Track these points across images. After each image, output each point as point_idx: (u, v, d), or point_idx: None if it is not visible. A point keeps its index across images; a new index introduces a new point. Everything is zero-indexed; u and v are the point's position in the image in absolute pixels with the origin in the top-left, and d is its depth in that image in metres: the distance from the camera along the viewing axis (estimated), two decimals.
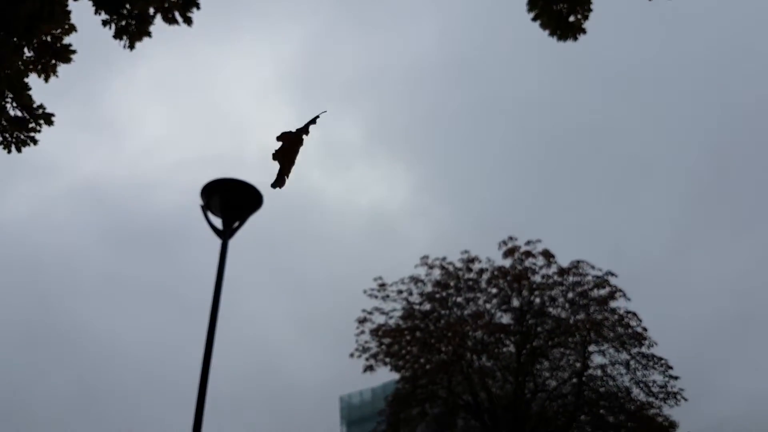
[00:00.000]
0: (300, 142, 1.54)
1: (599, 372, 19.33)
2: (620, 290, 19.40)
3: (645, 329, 18.91)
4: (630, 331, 18.91)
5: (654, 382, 18.68)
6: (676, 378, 18.51)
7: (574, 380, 19.56)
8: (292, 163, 1.53)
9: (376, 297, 20.98)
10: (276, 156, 1.52)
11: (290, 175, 1.54)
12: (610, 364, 19.17)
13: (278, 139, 1.53)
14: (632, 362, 18.84)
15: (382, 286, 21.06)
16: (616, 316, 19.12)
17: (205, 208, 6.93)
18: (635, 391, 18.85)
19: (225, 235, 6.81)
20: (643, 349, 18.73)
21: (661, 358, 18.64)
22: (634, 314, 19.06)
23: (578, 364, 19.53)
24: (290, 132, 1.54)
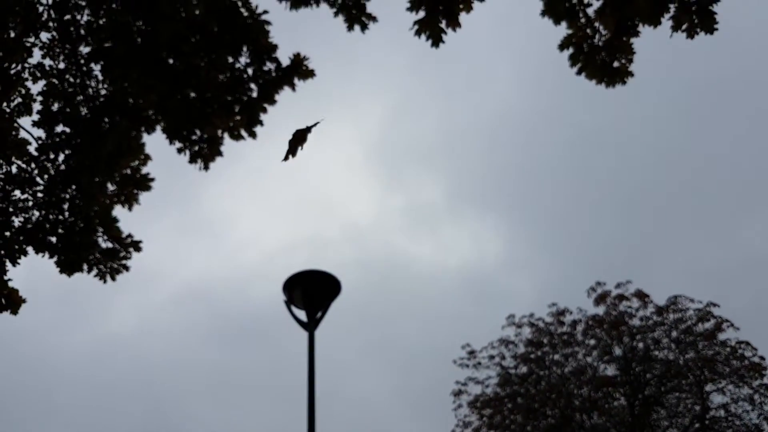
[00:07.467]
0: (305, 137, 2.48)
1: (722, 412, 18.00)
2: (726, 320, 18.28)
3: (762, 358, 17.68)
4: (746, 362, 17.71)
5: None
6: None
7: (697, 425, 18.25)
8: (297, 146, 2.47)
9: (467, 366, 20.40)
10: (290, 142, 2.47)
11: (296, 154, 2.49)
12: (732, 402, 17.86)
13: (294, 134, 2.47)
14: (756, 396, 17.54)
15: (472, 353, 20.43)
16: (727, 349, 17.98)
17: (289, 302, 7.15)
18: (766, 427, 17.43)
19: (310, 326, 6.97)
20: (766, 380, 17.47)
21: None
22: (748, 344, 17.87)
23: (697, 407, 18.27)
24: (301, 129, 2.47)
